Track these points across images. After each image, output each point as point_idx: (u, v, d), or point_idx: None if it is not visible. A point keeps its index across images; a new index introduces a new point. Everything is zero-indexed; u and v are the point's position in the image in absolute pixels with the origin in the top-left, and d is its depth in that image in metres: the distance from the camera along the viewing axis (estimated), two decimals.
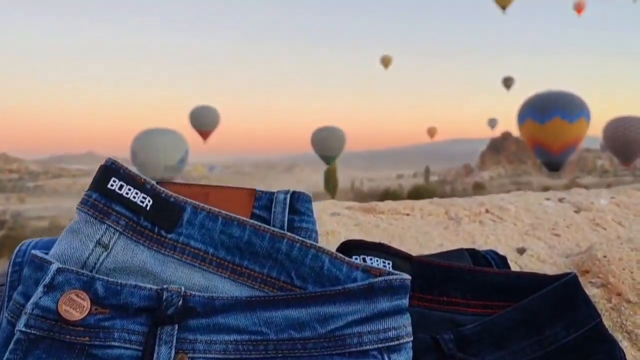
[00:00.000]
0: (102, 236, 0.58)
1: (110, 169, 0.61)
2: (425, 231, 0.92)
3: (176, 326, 0.53)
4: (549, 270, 0.87)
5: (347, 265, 0.57)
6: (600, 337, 0.68)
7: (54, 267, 0.54)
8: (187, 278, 0.58)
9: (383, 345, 0.53)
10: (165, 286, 0.55)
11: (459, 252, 0.77)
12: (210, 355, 0.52)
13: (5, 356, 0.51)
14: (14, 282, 0.61)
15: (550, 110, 21.42)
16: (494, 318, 0.66)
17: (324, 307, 0.54)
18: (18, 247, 0.65)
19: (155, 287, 0.54)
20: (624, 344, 0.78)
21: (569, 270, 0.87)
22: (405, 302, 0.55)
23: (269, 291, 0.57)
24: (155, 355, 0.51)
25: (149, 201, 0.60)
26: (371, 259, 0.66)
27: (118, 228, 0.59)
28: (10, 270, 0.62)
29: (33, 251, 0.56)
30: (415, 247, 0.87)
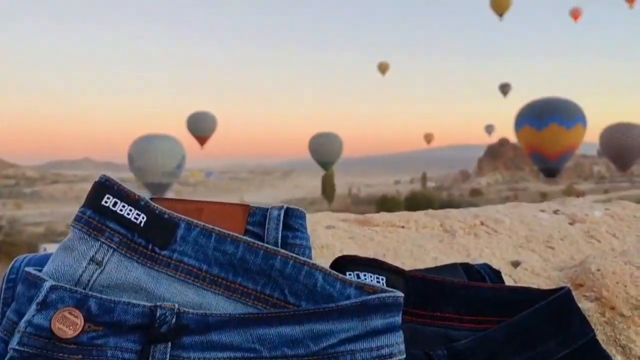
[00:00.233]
0: (95, 253, 0.58)
1: (104, 185, 0.61)
2: (420, 244, 0.93)
3: (169, 344, 0.53)
4: (543, 283, 0.87)
5: (341, 282, 0.57)
6: (593, 353, 0.68)
7: (47, 284, 0.54)
8: (180, 295, 0.58)
9: None
10: (158, 303, 0.55)
11: (453, 266, 0.77)
12: None
13: None
14: (8, 299, 0.61)
15: (547, 117, 21.50)
16: (488, 333, 0.66)
17: (317, 324, 0.54)
18: (12, 264, 0.65)
19: (148, 304, 0.54)
20: (618, 358, 0.79)
21: (563, 284, 0.88)
22: (398, 319, 0.55)
23: (262, 308, 0.57)
24: None
25: (143, 218, 0.60)
26: (365, 275, 0.66)
27: (112, 245, 0.59)
28: (3, 287, 0.62)
29: (27, 268, 0.56)
30: (410, 260, 0.88)
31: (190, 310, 0.55)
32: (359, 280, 0.66)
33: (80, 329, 0.52)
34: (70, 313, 0.53)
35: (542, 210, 1.16)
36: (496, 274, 0.79)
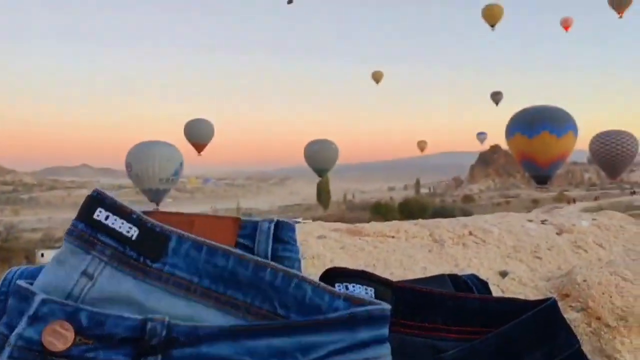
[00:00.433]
0: (87, 266, 0.59)
1: (96, 199, 0.61)
2: (409, 254, 0.94)
3: (159, 356, 0.53)
4: (531, 293, 0.88)
5: (330, 295, 0.58)
6: None
7: (38, 298, 0.54)
8: (171, 307, 0.58)
9: None
10: (149, 316, 0.55)
11: (441, 277, 0.79)
12: None
13: None
14: (0, 312, 0.61)
15: (539, 125, 21.64)
16: (474, 344, 0.67)
17: (306, 336, 0.54)
18: (4, 276, 0.65)
19: (139, 317, 0.55)
20: None
21: (550, 294, 0.89)
22: (385, 331, 0.56)
23: (252, 320, 0.58)
24: None
25: (134, 231, 0.60)
26: (354, 287, 0.67)
27: (104, 258, 0.59)
28: None
29: (18, 281, 0.57)
30: (400, 270, 0.89)
31: (181, 323, 0.55)
32: (347, 291, 0.67)
33: (70, 343, 0.53)
34: (61, 326, 0.53)
35: (530, 220, 1.17)
36: (483, 285, 0.81)
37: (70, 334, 0.53)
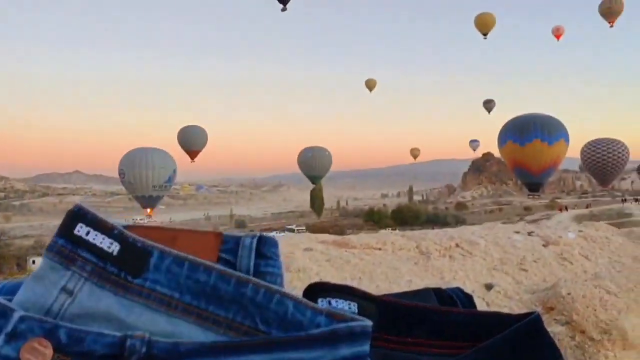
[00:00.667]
0: (67, 282, 0.58)
1: (77, 214, 0.61)
2: (395, 267, 0.94)
3: None
4: (516, 306, 0.89)
5: (311, 311, 0.58)
6: None
7: (16, 315, 0.54)
8: (152, 323, 0.58)
9: None
10: (129, 333, 0.55)
11: (425, 291, 0.79)
12: None
13: None
14: None
15: (530, 133, 21.81)
16: (458, 359, 0.67)
17: (287, 352, 0.54)
18: None
19: (118, 334, 0.54)
20: None
21: (534, 308, 0.89)
22: (366, 348, 0.56)
23: (234, 336, 0.58)
24: None
25: (115, 246, 0.60)
26: (337, 302, 0.67)
27: (84, 274, 0.59)
28: None
29: None
30: (385, 283, 0.88)
31: (161, 339, 0.55)
32: (330, 307, 0.67)
33: None
34: (39, 343, 0.53)
35: (517, 232, 1.18)
36: (468, 298, 0.81)
37: (49, 351, 0.52)
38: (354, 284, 0.90)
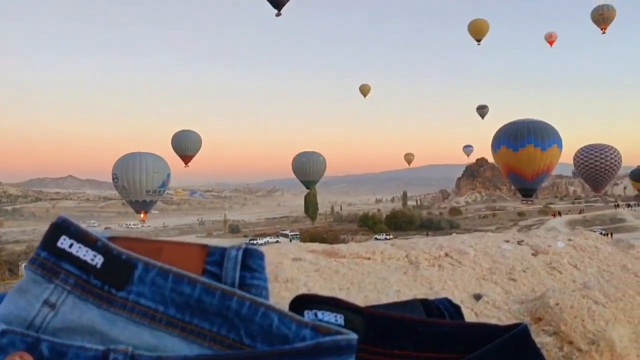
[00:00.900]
0: (50, 295, 0.58)
1: (60, 226, 0.60)
2: (383, 277, 0.93)
3: None
4: (504, 317, 0.88)
5: (297, 324, 0.58)
6: None
7: None
8: (135, 337, 0.57)
9: None
10: (111, 347, 0.54)
11: (412, 302, 0.78)
12: None
13: None
14: None
15: (524, 139, 21.92)
16: None
17: None
18: None
19: (101, 347, 0.54)
20: None
21: (523, 318, 0.89)
22: None
23: (218, 350, 0.57)
24: None
25: (99, 259, 0.60)
26: (323, 314, 0.67)
27: (67, 287, 0.58)
28: None
29: None
30: (373, 294, 0.88)
31: (145, 353, 0.55)
32: (317, 319, 0.67)
33: None
34: (21, 358, 0.52)
35: (507, 241, 1.18)
36: (456, 309, 0.81)
37: None
38: (343, 294, 0.90)
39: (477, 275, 1.00)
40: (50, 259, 0.59)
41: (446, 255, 1.07)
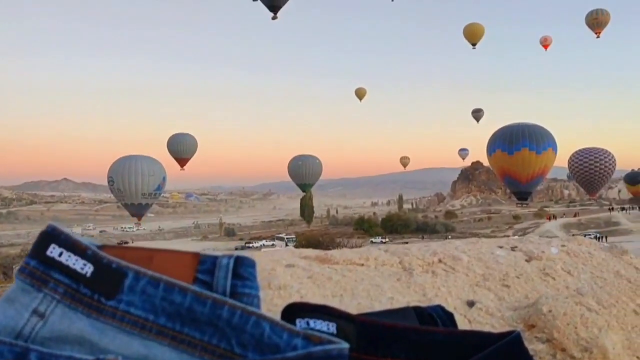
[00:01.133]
0: (38, 304, 0.57)
1: (50, 235, 0.60)
2: (377, 284, 0.93)
3: None
4: (497, 324, 0.88)
5: (288, 333, 0.57)
6: None
7: None
8: (125, 346, 0.57)
9: None
10: (101, 356, 0.54)
11: (405, 310, 0.78)
12: None
13: None
14: None
15: (519, 142, 22.00)
16: None
17: None
18: None
19: (91, 357, 0.54)
20: None
21: (515, 325, 0.89)
22: None
23: (209, 359, 0.57)
24: None
25: (89, 268, 0.59)
26: (315, 322, 0.67)
27: (56, 296, 0.58)
28: None
29: None
30: (367, 301, 0.88)
31: None
32: (309, 327, 0.67)
33: None
34: None
35: (500, 247, 1.18)
36: (449, 317, 0.80)
37: None
38: (336, 301, 0.89)
39: (471, 282, 1.00)
40: (39, 267, 0.59)
41: (439, 261, 1.07)
